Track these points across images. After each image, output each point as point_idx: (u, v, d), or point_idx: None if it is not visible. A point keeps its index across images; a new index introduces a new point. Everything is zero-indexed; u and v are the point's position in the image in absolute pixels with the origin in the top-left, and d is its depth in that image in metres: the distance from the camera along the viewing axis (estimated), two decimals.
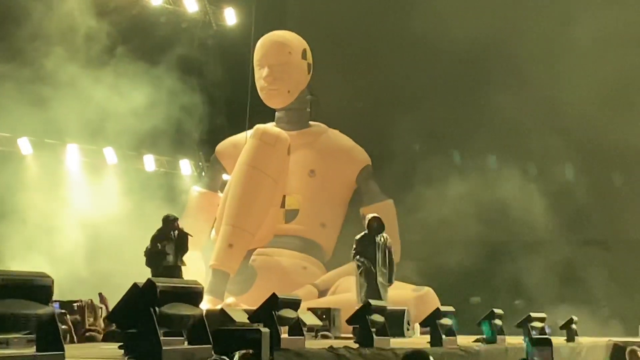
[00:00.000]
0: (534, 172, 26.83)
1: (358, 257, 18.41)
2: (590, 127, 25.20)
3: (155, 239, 18.82)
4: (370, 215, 19.13)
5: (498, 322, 16.86)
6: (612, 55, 25.70)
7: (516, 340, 17.04)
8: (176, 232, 19.00)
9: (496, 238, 26.16)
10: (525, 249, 25.32)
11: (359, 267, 18.42)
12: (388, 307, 14.60)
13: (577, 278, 24.51)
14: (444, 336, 14.82)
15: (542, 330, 18.07)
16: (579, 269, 24.61)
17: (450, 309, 16.26)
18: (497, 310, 17.10)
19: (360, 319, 13.26)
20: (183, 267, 18.97)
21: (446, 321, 15.36)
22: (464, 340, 16.09)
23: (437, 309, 15.81)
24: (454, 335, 15.64)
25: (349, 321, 13.81)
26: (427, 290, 22.82)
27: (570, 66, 25.57)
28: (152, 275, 18.23)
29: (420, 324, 16.92)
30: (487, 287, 25.29)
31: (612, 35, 25.65)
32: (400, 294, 21.77)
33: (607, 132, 24.90)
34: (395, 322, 17.15)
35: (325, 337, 17.61)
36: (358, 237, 18.66)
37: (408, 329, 18.92)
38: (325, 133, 26.75)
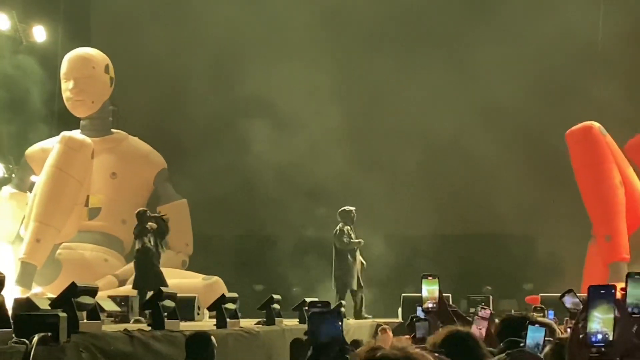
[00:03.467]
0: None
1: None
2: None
3: (137, 236, 19.10)
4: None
5: (276, 306, 16.92)
6: None
7: (291, 322, 17.13)
8: (152, 222, 19.12)
9: (269, 232, 26.20)
10: (301, 240, 25.10)
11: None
12: (179, 294, 14.51)
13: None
14: (228, 319, 14.78)
15: None
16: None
17: (235, 295, 16.36)
18: (276, 296, 17.19)
19: (152, 304, 13.10)
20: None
21: (230, 305, 15.33)
22: (247, 323, 16.05)
23: (223, 295, 15.88)
24: (238, 318, 15.65)
25: (143, 307, 13.67)
26: (216, 279, 22.71)
27: None
28: (137, 268, 19.41)
29: (207, 308, 16.97)
30: (269, 276, 25.30)
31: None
32: (191, 282, 22.05)
33: None
34: (187, 307, 17.22)
35: None
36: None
37: (198, 314, 18.93)
38: (126, 140, 26.38)
